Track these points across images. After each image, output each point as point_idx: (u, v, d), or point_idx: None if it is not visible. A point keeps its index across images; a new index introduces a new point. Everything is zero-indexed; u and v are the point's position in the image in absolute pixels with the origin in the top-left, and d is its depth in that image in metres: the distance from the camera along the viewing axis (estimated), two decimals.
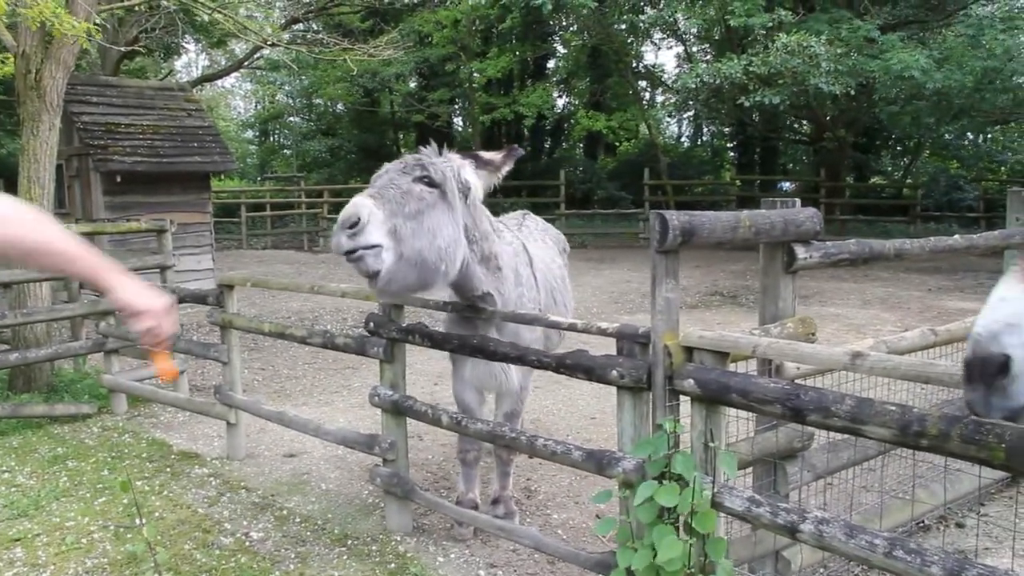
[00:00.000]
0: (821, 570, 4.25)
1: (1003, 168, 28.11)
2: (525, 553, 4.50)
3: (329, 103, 33.85)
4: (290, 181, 29.59)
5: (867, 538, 2.59)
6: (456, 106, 31.81)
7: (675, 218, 2.92)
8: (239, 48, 25.93)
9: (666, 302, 3.01)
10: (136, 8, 14.38)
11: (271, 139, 41.22)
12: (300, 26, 22.91)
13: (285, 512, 5.07)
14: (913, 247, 4.11)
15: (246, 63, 24.48)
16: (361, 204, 3.35)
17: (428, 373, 8.48)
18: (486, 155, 4.01)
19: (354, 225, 3.31)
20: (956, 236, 4.46)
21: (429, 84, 29.04)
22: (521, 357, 3.71)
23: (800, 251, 3.38)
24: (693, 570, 3.04)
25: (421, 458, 6.07)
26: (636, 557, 3.11)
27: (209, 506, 5.18)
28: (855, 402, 2.58)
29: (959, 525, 4.87)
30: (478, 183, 3.88)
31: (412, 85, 30.81)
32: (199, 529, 4.80)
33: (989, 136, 29.15)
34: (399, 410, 4.61)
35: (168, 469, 5.86)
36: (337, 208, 25.93)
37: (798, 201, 3.45)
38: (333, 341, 5.08)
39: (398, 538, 4.65)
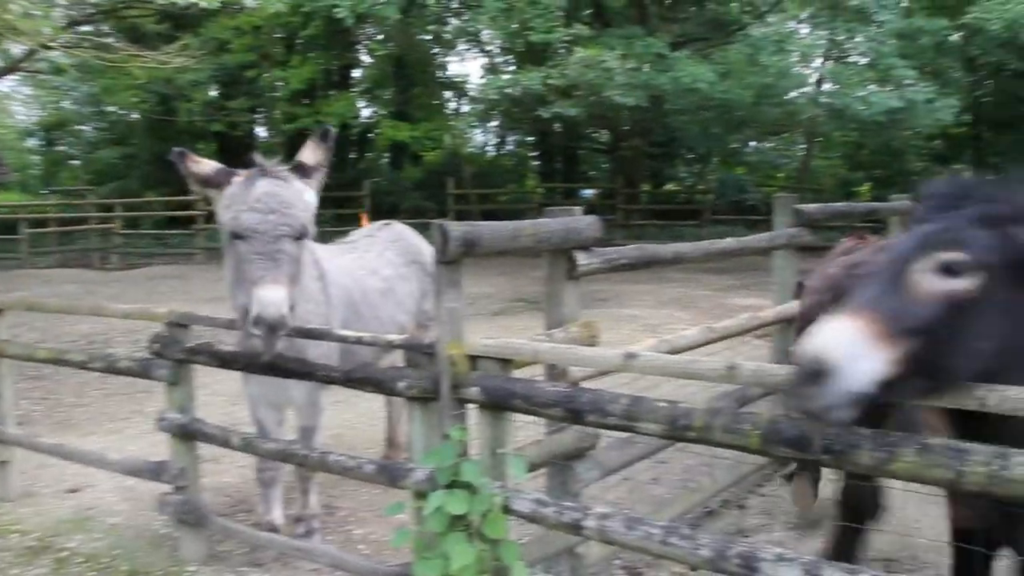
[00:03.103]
0: (616, 561, 4.44)
1: (781, 174, 30.52)
2: (327, 572, 4.42)
3: (122, 111, 31.93)
4: (78, 194, 27.64)
5: (645, 528, 2.73)
6: (258, 115, 30.88)
7: (455, 229, 2.97)
8: (17, 49, 23.99)
9: (450, 312, 3.05)
10: None
11: (57, 148, 38.30)
12: (89, 28, 21.48)
13: (66, 553, 4.72)
14: (690, 250, 4.37)
15: (23, 66, 22.64)
16: None
17: (226, 393, 8.15)
18: (307, 160, 3.98)
19: None
20: (729, 239, 4.79)
21: (229, 92, 27.98)
22: (309, 373, 3.65)
23: (581, 258, 3.51)
24: (487, 575, 3.09)
25: (218, 482, 5.84)
26: (430, 566, 3.12)
27: None
28: (629, 401, 2.72)
29: (741, 507, 5.22)
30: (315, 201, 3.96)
31: (212, 93, 29.60)
32: None
33: (770, 145, 31.51)
34: (188, 434, 4.42)
35: None
36: (132, 222, 24.57)
37: (578, 209, 3.59)
38: (116, 365, 4.81)
39: (192, 568, 4.45)
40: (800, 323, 4.10)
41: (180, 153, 3.95)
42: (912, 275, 2.20)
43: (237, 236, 3.65)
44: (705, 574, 3.40)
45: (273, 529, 4.56)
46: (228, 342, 6.14)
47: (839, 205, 6.96)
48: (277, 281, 3.51)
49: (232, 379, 8.11)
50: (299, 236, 3.72)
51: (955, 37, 20.92)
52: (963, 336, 2.20)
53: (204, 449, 4.71)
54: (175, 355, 4.34)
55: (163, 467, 4.54)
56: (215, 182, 3.87)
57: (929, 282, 2.19)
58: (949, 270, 2.19)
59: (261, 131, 32.59)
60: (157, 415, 4.60)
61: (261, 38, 23.72)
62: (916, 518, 4.45)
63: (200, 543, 4.56)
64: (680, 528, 2.74)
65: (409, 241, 5.62)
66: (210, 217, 23.04)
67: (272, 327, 3.45)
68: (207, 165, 3.95)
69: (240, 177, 3.83)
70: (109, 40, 19.11)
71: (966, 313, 2.19)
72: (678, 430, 2.62)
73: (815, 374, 2.09)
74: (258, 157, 3.90)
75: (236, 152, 30.62)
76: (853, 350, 2.08)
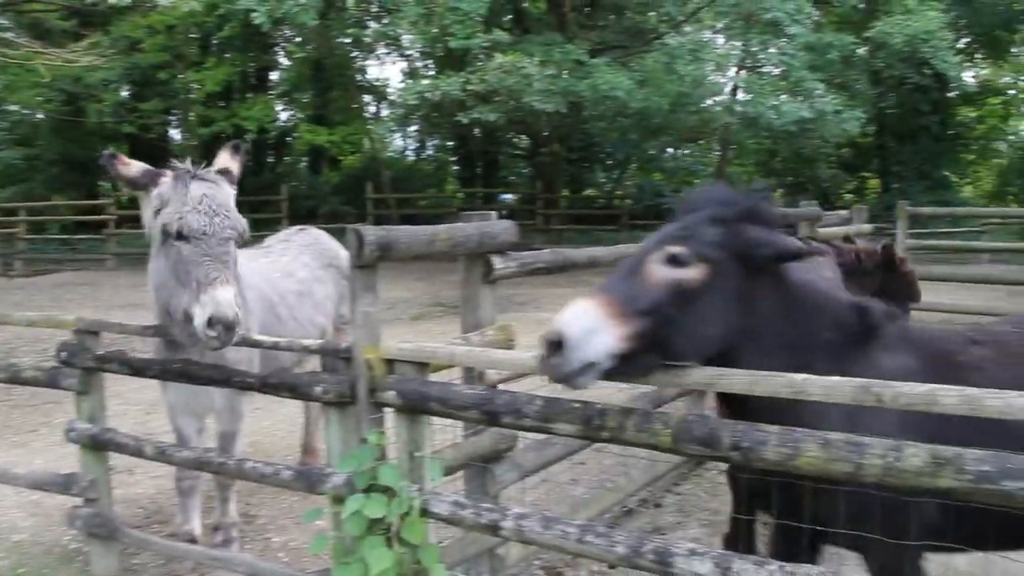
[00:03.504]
0: (535, 562, 4.49)
1: (698, 180, 31.18)
2: None
3: (26, 110, 30.70)
4: None
5: (561, 528, 2.78)
6: (172, 118, 30.13)
7: (371, 233, 2.98)
8: None
9: (365, 316, 3.06)
10: None
11: None
12: None
13: None
14: (604, 254, 4.46)
15: None
16: None
17: (141, 402, 7.96)
18: (226, 168, 4.01)
19: None
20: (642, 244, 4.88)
21: (142, 93, 27.20)
22: (225, 379, 3.60)
23: (497, 262, 3.55)
24: None
25: (132, 493, 5.70)
26: (350, 571, 3.11)
27: None
28: (544, 402, 2.76)
29: (657, 505, 5.34)
30: None
31: (123, 94, 28.74)
32: None
33: (686, 151, 32.19)
34: (99, 444, 4.29)
35: None
36: (37, 227, 23.64)
37: (494, 214, 3.63)
38: (20, 375, 4.64)
39: None
40: None
41: (110, 155, 3.91)
42: (646, 265, 2.52)
43: (181, 237, 3.62)
44: (623, 571, 3.46)
45: (191, 540, 4.48)
46: (141, 349, 6.00)
47: None
48: (228, 282, 3.54)
49: (147, 387, 7.94)
50: (239, 239, 3.80)
51: (861, 51, 21.71)
52: (691, 318, 2.52)
53: (117, 460, 4.60)
54: (84, 363, 4.22)
55: (72, 479, 4.41)
56: (142, 183, 3.84)
57: (659, 271, 2.51)
58: (675, 260, 2.51)
59: (175, 134, 31.82)
60: (66, 426, 4.47)
61: (175, 38, 23.09)
62: None
63: (112, 557, 4.44)
64: (596, 527, 2.79)
65: (325, 245, 5.62)
66: (121, 222, 22.24)
67: (229, 326, 3.46)
68: (135, 166, 3.91)
69: (167, 178, 3.79)
70: (9, 35, 18.38)
71: (693, 298, 2.50)
72: (592, 430, 2.68)
73: (556, 345, 2.39)
74: (178, 161, 3.89)
75: (149, 156, 29.80)
76: (588, 326, 2.39)
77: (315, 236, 5.66)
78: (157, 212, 3.76)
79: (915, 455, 2.28)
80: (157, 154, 29.26)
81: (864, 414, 2.58)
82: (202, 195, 3.68)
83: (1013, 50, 28.79)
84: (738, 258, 2.57)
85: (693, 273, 2.50)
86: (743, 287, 2.60)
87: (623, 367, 2.47)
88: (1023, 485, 2.16)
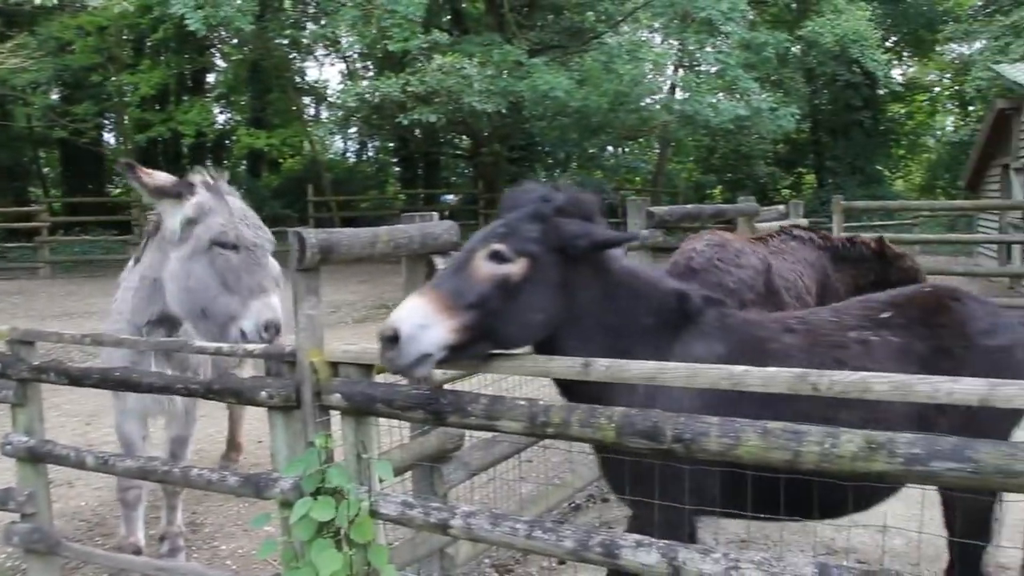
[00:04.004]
0: (486, 560, 4.52)
1: (638, 178, 31.52)
2: None
3: None
4: None
5: (510, 524, 2.80)
6: (107, 121, 29.47)
7: (312, 236, 2.97)
8: None
9: (309, 319, 3.05)
10: None
11: None
12: None
13: None
14: None
15: None
16: None
17: (79, 413, 7.81)
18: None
19: None
20: None
21: (73, 96, 26.53)
22: (167, 386, 3.55)
23: (439, 262, 3.56)
24: None
25: (73, 507, 5.59)
26: (299, 575, 3.10)
27: None
28: (489, 400, 2.79)
29: (604, 500, 5.40)
30: None
31: (53, 97, 27.99)
32: None
33: (626, 150, 32.49)
34: (37, 457, 4.19)
35: None
36: None
37: (436, 215, 3.64)
38: None
39: None
40: None
41: (128, 164, 3.99)
42: (472, 262, 2.71)
43: (231, 247, 3.81)
44: (573, 566, 3.50)
45: (137, 551, 4.41)
46: (79, 359, 5.86)
47: (688, 207, 7.28)
48: (275, 290, 3.80)
49: (86, 398, 7.79)
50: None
51: (795, 49, 22.17)
52: (515, 309, 2.71)
53: (56, 472, 4.49)
54: (19, 374, 4.12)
55: (8, 494, 4.29)
56: (174, 192, 3.95)
57: (483, 267, 2.69)
58: (498, 256, 2.69)
59: (110, 138, 31.10)
60: (1, 439, 4.36)
61: (107, 39, 22.57)
62: None
63: (52, 572, 4.34)
64: (543, 523, 2.82)
65: None
66: (55, 228, 21.52)
67: (279, 330, 3.68)
68: (161, 176, 4.03)
69: (201, 188, 3.97)
70: None
71: (516, 290, 2.70)
72: (538, 427, 2.70)
73: (392, 340, 2.58)
74: (203, 170, 4.11)
75: (83, 161, 28.98)
76: (420, 321, 2.58)
77: None
78: (191, 221, 3.87)
79: (850, 441, 2.35)
80: (91, 160, 28.67)
81: (660, 391, 2.82)
82: (241, 208, 3.96)
83: (937, 49, 29.66)
84: (557, 250, 2.76)
85: (515, 268, 2.69)
86: (564, 277, 2.79)
87: (456, 356, 2.69)
88: (951, 466, 2.24)
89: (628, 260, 3.05)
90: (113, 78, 23.11)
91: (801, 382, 2.50)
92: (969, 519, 3.21)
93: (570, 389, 2.92)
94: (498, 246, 2.70)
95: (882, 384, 2.44)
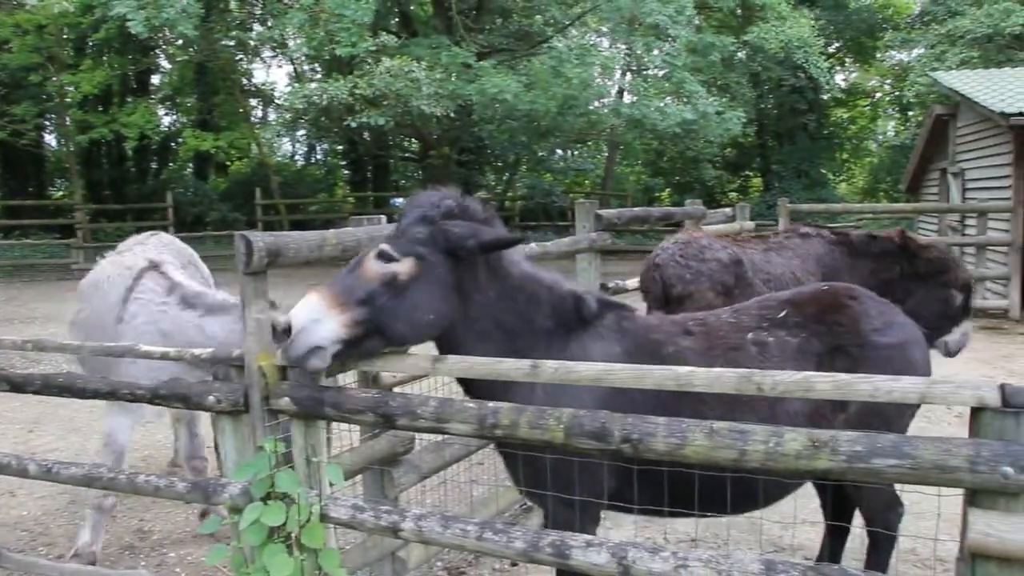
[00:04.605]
0: (438, 563, 4.51)
1: (587, 181, 31.73)
2: None
3: None
4: None
5: (460, 526, 2.81)
6: (48, 123, 28.76)
7: (259, 239, 2.95)
8: None
9: (257, 323, 3.02)
10: None
11: None
12: None
13: None
14: None
15: None
16: None
17: (22, 420, 7.63)
18: None
19: None
20: (532, 244, 4.96)
21: (11, 96, 25.85)
22: (113, 392, 3.50)
23: None
24: None
25: (15, 516, 5.47)
26: None
27: None
28: (438, 403, 2.80)
29: None
30: None
31: None
32: None
33: (575, 153, 32.68)
34: None
35: None
36: None
37: (383, 218, 3.64)
38: None
39: None
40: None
41: None
42: (364, 262, 2.86)
43: None
44: (525, 567, 3.52)
45: (93, 562, 4.36)
46: (20, 365, 5.74)
47: (636, 210, 7.35)
48: None
49: (29, 405, 7.62)
50: None
51: (741, 54, 22.51)
52: (405, 306, 2.84)
53: None
54: None
55: None
56: None
57: (372, 266, 2.84)
58: (385, 256, 2.84)
59: (51, 140, 30.34)
60: None
61: (46, 38, 22.00)
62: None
63: None
64: (494, 524, 2.83)
65: (180, 246, 5.81)
66: None
67: None
68: None
69: None
70: None
71: (404, 289, 2.83)
72: (487, 429, 2.72)
73: (286, 332, 2.73)
74: None
75: (22, 163, 28.20)
76: (313, 315, 2.74)
77: (170, 239, 5.82)
78: None
79: (794, 439, 2.40)
80: (31, 160, 27.96)
81: (565, 392, 2.94)
82: None
83: (878, 56, 30.35)
84: (447, 252, 2.88)
85: (401, 267, 2.83)
86: (458, 278, 2.92)
87: (350, 351, 2.85)
88: (891, 462, 2.31)
89: (528, 264, 3.18)
90: (53, 78, 22.54)
91: (746, 382, 2.56)
92: (877, 501, 3.42)
93: (470, 388, 3.08)
94: (385, 246, 2.86)
95: (824, 383, 2.50)
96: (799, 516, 3.14)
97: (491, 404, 2.73)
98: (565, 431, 2.61)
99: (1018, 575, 2.26)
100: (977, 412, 2.30)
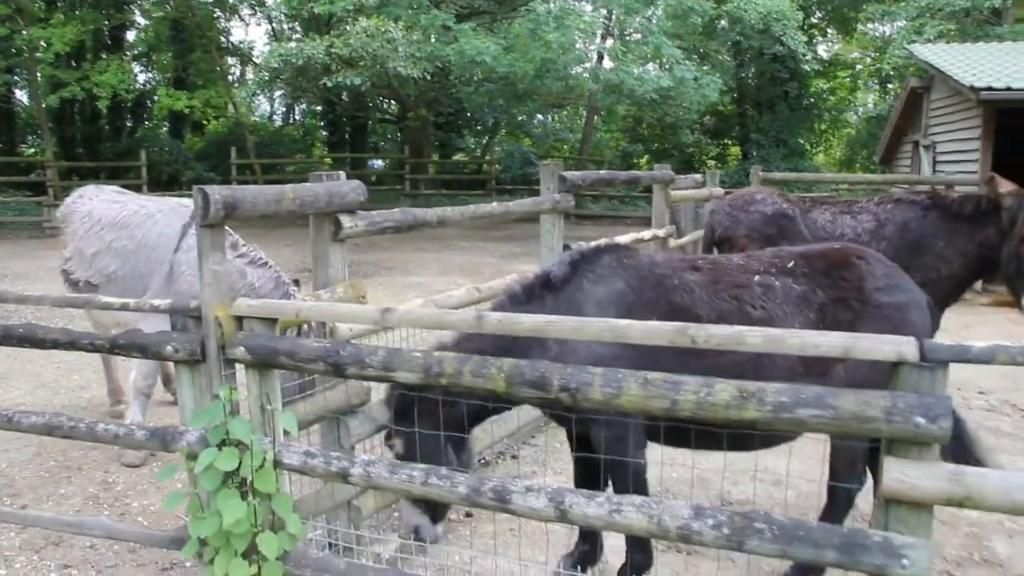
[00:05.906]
0: (395, 514, 4.63)
1: (566, 146, 31.70)
2: (103, 547, 4.35)
3: None
4: None
5: (407, 472, 2.92)
6: (18, 78, 28.31)
7: (216, 192, 3.01)
8: None
9: (214, 275, 3.10)
10: None
11: None
12: None
13: None
14: (454, 214, 4.59)
15: None
16: None
17: None
18: None
19: None
20: (493, 204, 5.04)
21: None
22: (73, 342, 3.57)
23: (346, 221, 3.64)
24: (261, 528, 3.18)
25: None
26: (205, 525, 3.18)
27: None
28: (386, 353, 2.89)
29: (514, 457, 5.56)
30: None
31: None
32: None
33: (555, 118, 32.62)
34: None
35: None
36: None
37: (343, 174, 3.70)
38: None
39: None
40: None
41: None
42: None
43: None
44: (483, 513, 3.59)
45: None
46: None
47: (602, 172, 7.46)
48: None
49: None
50: None
51: (723, 22, 22.48)
52: None
53: None
54: None
55: None
56: None
57: None
58: None
59: (23, 96, 29.84)
60: None
61: None
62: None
63: None
64: (439, 470, 2.94)
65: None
66: None
67: None
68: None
69: None
70: None
71: None
72: (432, 377, 2.82)
73: None
74: None
75: None
76: None
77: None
78: None
79: (723, 390, 2.52)
80: (1, 116, 27.52)
81: (571, 344, 3.15)
82: None
83: (859, 28, 30.37)
84: None
85: None
86: None
87: None
88: (814, 412, 2.44)
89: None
90: (23, 32, 22.10)
91: (680, 335, 2.67)
92: (842, 463, 3.52)
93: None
94: None
95: (755, 337, 2.62)
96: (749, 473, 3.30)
97: (436, 353, 2.84)
98: (506, 380, 2.72)
99: (925, 518, 2.40)
100: (897, 367, 2.43)
